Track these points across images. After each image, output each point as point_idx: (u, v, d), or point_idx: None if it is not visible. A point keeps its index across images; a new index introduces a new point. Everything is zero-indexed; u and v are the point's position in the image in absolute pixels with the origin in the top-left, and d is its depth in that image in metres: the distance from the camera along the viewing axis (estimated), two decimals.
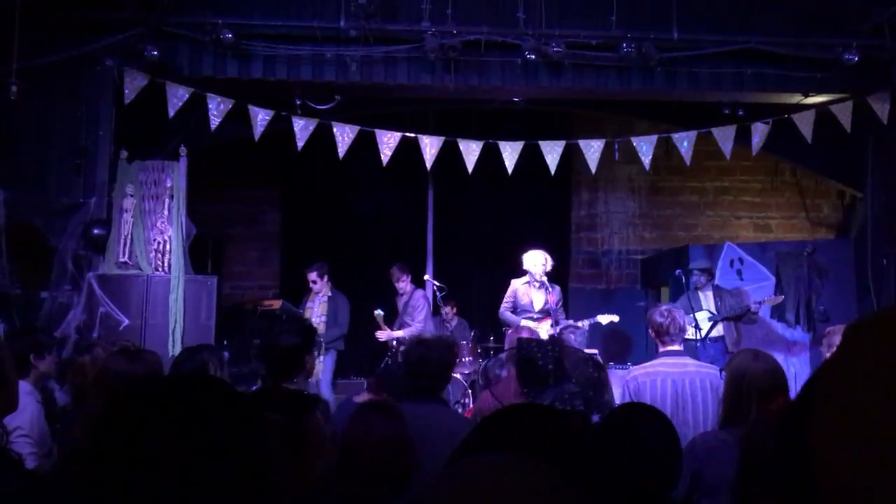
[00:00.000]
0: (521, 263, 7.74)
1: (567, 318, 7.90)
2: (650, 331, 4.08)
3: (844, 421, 0.62)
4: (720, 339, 7.77)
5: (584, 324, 7.63)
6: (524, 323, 7.45)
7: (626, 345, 9.74)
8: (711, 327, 7.70)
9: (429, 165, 7.88)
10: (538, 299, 7.58)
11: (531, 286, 7.61)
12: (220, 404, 0.97)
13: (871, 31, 7.45)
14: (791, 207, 11.08)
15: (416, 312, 8.26)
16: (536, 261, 7.57)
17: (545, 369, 2.78)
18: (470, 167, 7.73)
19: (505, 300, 7.75)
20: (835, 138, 7.92)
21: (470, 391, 7.87)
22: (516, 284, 7.71)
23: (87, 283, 6.74)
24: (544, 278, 7.57)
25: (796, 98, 7.98)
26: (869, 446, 0.59)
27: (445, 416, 3.49)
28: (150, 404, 0.95)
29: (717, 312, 7.81)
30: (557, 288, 7.84)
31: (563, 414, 2.31)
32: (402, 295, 8.47)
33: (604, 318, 7.80)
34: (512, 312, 7.67)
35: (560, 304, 7.68)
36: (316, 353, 3.71)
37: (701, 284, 8.00)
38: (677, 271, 8.19)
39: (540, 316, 7.53)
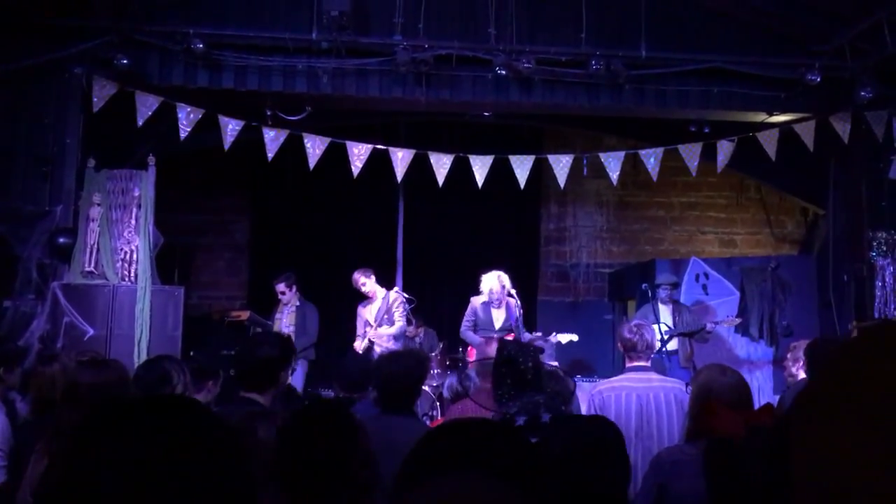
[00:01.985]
0: None
1: (531, 331, 7.86)
2: (619, 346, 4.15)
3: (822, 445, 0.64)
4: (675, 353, 7.86)
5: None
6: None
7: (585, 359, 9.75)
8: (666, 341, 7.76)
9: (399, 177, 7.91)
10: (498, 318, 7.54)
11: (490, 305, 7.56)
12: (201, 429, 0.92)
13: (833, 52, 7.63)
14: (756, 223, 11.27)
15: (400, 314, 7.94)
16: (490, 283, 7.46)
17: (524, 372, 2.79)
18: (440, 180, 7.76)
19: (465, 318, 7.66)
20: (798, 157, 8.08)
21: (438, 404, 7.87)
22: (475, 303, 7.63)
23: (52, 293, 6.64)
24: (503, 297, 7.45)
25: (761, 117, 8.14)
26: (844, 472, 0.61)
27: (416, 429, 3.50)
28: (127, 434, 0.89)
29: (674, 327, 7.89)
30: (515, 303, 7.63)
31: (506, 429, 2.32)
32: (369, 300, 8.12)
33: (563, 338, 7.81)
34: (472, 331, 7.60)
35: (517, 319, 7.49)
36: (290, 372, 3.66)
37: (665, 298, 8.08)
38: (643, 285, 8.27)
39: (500, 335, 7.45)
